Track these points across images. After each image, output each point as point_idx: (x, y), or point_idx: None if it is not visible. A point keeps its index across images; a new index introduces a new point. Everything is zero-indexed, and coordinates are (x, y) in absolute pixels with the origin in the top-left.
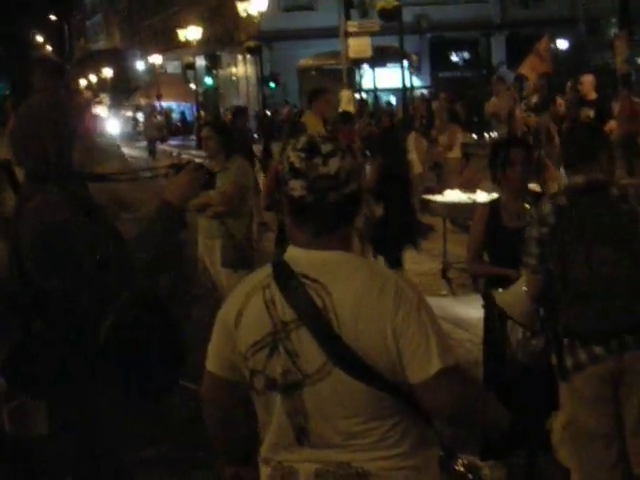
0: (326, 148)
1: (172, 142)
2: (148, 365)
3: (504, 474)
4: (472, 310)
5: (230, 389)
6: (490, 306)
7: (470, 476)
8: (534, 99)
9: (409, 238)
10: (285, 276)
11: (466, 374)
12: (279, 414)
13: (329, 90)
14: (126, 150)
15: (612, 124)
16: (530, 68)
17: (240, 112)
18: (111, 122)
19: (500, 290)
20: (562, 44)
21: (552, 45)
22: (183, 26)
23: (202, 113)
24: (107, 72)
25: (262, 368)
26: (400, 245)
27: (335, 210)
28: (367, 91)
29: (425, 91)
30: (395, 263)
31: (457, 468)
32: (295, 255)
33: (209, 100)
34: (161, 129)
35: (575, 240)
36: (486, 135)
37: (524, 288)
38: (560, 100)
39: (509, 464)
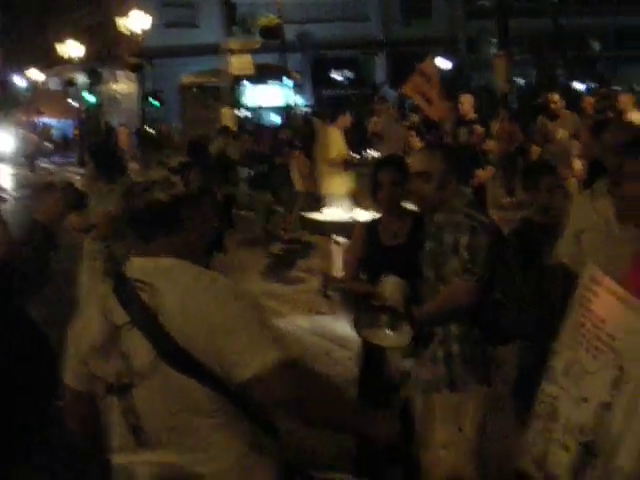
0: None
1: (52, 159)
2: (22, 385)
3: None
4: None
5: (84, 401)
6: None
7: None
8: (414, 119)
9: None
10: (120, 282)
11: (309, 368)
12: (116, 416)
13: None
14: (7, 168)
15: (491, 144)
16: (413, 88)
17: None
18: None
19: None
20: (444, 63)
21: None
22: (63, 42)
23: (77, 131)
24: None
25: (100, 373)
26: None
27: (139, 216)
28: (251, 109)
29: (307, 109)
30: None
31: None
32: (132, 264)
33: (92, 117)
34: (39, 146)
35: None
36: (366, 154)
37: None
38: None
39: None
